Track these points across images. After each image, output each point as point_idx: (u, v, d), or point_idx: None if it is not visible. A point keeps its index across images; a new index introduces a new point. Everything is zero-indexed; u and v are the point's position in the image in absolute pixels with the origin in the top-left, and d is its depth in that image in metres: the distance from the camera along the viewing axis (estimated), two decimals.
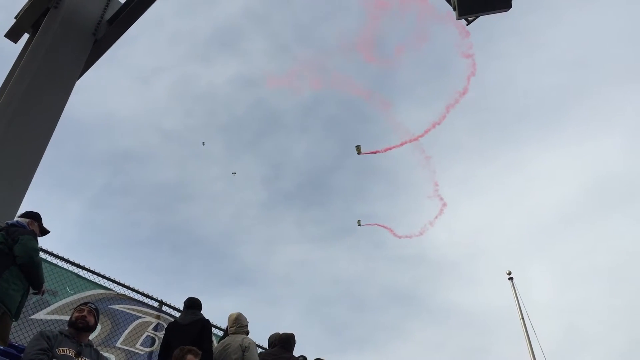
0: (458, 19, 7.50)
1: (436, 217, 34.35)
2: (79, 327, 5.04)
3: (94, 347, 5.28)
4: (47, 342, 4.69)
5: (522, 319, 17.33)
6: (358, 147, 34.69)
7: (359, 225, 37.34)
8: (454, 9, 7.50)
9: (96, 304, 8.51)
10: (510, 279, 18.32)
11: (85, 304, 5.41)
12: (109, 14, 6.32)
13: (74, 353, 4.82)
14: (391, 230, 35.93)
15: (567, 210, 65.32)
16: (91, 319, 5.19)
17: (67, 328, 5.14)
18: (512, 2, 7.05)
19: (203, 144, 44.33)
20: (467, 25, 8.15)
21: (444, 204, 33.97)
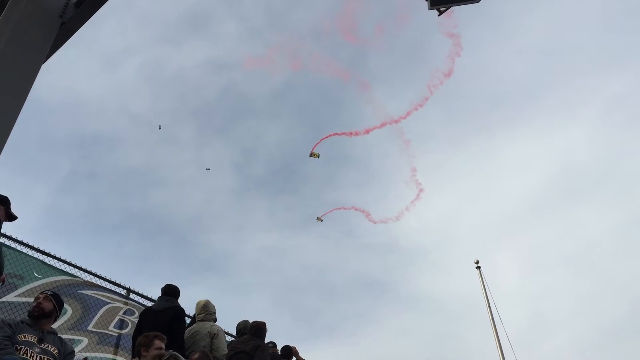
0: (430, 9, 7.58)
1: (412, 202, 34.32)
2: (35, 315, 5.02)
3: (57, 334, 5.26)
4: (10, 329, 4.67)
5: (489, 307, 17.80)
6: (315, 154, 34.65)
7: (319, 220, 37.18)
8: (426, 0, 7.56)
9: (60, 290, 8.49)
10: (478, 267, 18.76)
11: (42, 292, 5.39)
12: None
13: (35, 339, 4.82)
14: (368, 215, 35.86)
15: (534, 199, 66.82)
16: (47, 305, 5.15)
17: (27, 317, 5.11)
18: None
19: (159, 128, 43.51)
20: (438, 15, 8.19)
21: (421, 190, 34.01)
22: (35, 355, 4.73)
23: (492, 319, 17.54)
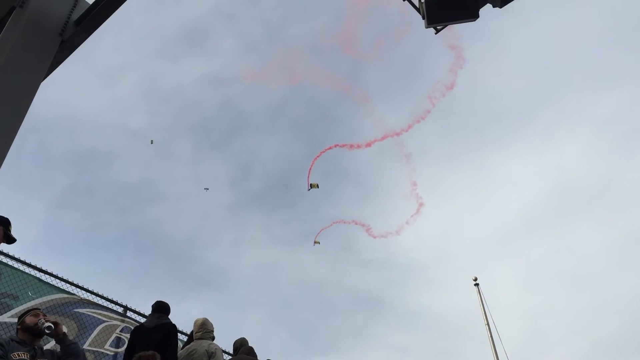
0: (427, 28, 7.69)
1: (413, 216, 34.03)
2: (36, 333, 4.94)
3: (48, 349, 5.21)
4: (2, 348, 4.62)
5: (487, 324, 17.70)
6: (315, 185, 34.51)
7: (316, 243, 36.82)
8: (423, 18, 7.67)
9: (56, 309, 8.43)
10: (476, 284, 18.69)
11: (35, 309, 5.29)
12: (76, 15, 6.22)
13: (28, 356, 4.74)
14: (368, 229, 35.56)
15: (531, 215, 66.83)
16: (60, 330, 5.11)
17: (15, 335, 5.02)
18: (480, 11, 7.28)
19: (152, 142, 43.28)
20: (435, 33, 8.32)
21: (421, 204, 33.78)
22: None
23: (491, 335, 17.46)
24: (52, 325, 4.92)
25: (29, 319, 5.07)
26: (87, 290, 9.31)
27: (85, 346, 8.84)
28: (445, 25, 7.78)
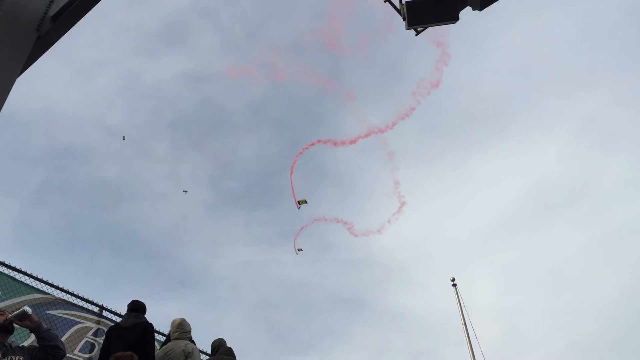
0: (407, 29, 7.78)
1: (394, 215, 34.00)
2: (3, 329, 4.91)
3: (18, 345, 5.18)
4: None
5: (465, 324, 17.92)
6: (303, 201, 34.53)
7: (299, 251, 36.80)
8: (404, 19, 7.76)
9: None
10: (454, 285, 18.92)
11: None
12: (53, 10, 6.14)
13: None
14: (350, 227, 35.47)
15: (508, 217, 67.68)
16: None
17: None
18: (460, 14, 7.41)
19: (124, 139, 42.74)
20: (416, 35, 8.44)
21: (403, 202, 33.79)
22: None
23: (468, 336, 17.67)
24: (24, 313, 4.85)
25: None
26: (62, 290, 9.17)
27: None
28: (426, 27, 7.89)
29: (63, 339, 8.87)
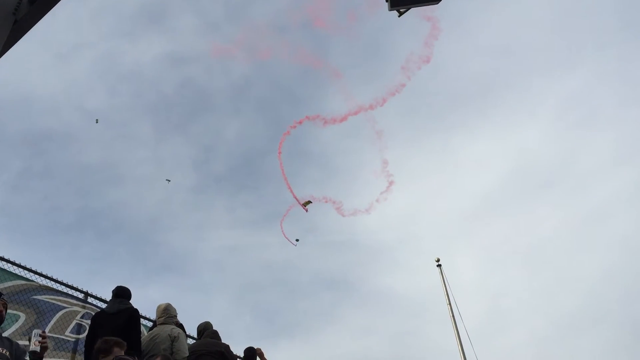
0: (390, 10, 7.73)
1: (382, 194, 33.85)
2: None
3: (3, 335, 5.09)
4: None
5: (449, 304, 18.20)
6: (307, 202, 34.11)
7: (297, 241, 36.51)
8: (386, 0, 7.71)
9: (13, 296, 8.24)
10: (439, 265, 19.16)
11: None
12: None
13: None
14: (339, 206, 35.32)
15: (491, 197, 68.50)
16: (4, 312, 5.07)
17: None
18: None
19: (97, 122, 42.23)
20: (399, 16, 8.37)
21: (392, 182, 33.63)
22: None
23: (452, 315, 17.95)
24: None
25: None
26: (46, 277, 9.12)
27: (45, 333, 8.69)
28: (408, 8, 7.84)
29: (52, 321, 8.88)
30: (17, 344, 5.12)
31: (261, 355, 9.42)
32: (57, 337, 8.84)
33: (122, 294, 7.11)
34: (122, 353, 5.22)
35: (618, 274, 55.38)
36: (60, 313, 9.13)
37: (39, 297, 8.92)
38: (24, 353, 5.07)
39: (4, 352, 4.75)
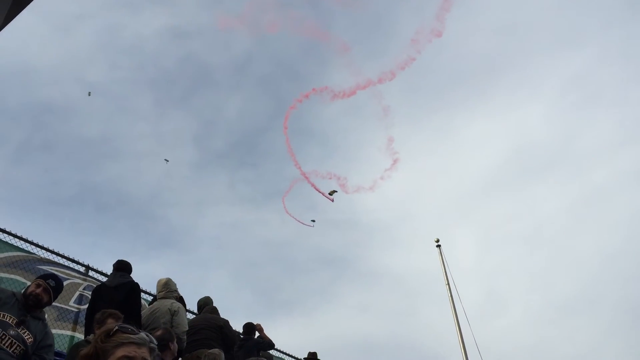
0: None
1: (387, 171, 33.37)
2: (29, 304, 4.88)
3: (44, 321, 5.08)
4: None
5: (448, 284, 18.30)
6: (332, 192, 33.63)
7: (313, 222, 36.13)
8: None
9: (18, 264, 8.32)
10: (438, 246, 19.20)
11: (45, 278, 5.20)
12: None
13: (14, 321, 4.64)
14: (343, 183, 34.98)
15: (492, 177, 68.23)
16: (44, 297, 5.03)
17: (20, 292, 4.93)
18: None
19: (89, 94, 41.98)
20: None
21: (396, 159, 33.12)
22: (5, 338, 4.51)
23: (451, 295, 18.05)
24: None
25: (31, 287, 5.01)
26: (47, 250, 9.20)
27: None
28: None
29: None
30: (48, 333, 5.06)
31: (260, 330, 9.58)
32: (61, 307, 8.96)
33: (122, 267, 7.17)
34: (118, 324, 5.28)
35: (617, 255, 55.49)
36: (64, 283, 9.24)
37: (42, 267, 9.02)
38: (50, 347, 4.98)
39: (26, 336, 4.63)
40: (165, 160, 42.11)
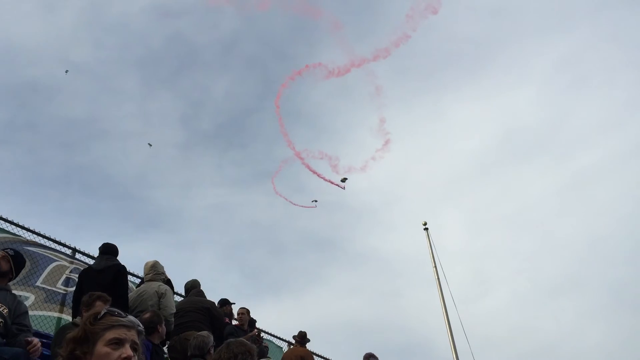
0: None
1: (378, 152, 32.96)
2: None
3: (11, 292, 5.10)
4: None
5: (435, 266, 18.46)
6: (344, 179, 33.13)
7: (314, 202, 35.79)
8: None
9: (5, 245, 8.28)
10: (426, 229, 19.32)
11: (3, 249, 5.21)
12: None
13: None
14: (335, 163, 34.54)
15: (480, 160, 68.52)
16: (4, 265, 5.03)
17: None
18: None
19: (66, 72, 41.39)
20: None
21: (388, 140, 32.77)
22: None
23: (438, 277, 18.23)
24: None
25: None
26: (33, 232, 9.15)
27: (38, 283, 8.80)
28: None
29: (44, 273, 8.99)
30: (20, 302, 5.10)
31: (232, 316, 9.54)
32: (49, 289, 8.96)
33: (108, 250, 7.16)
34: (106, 307, 5.29)
35: (603, 238, 56.34)
36: (52, 265, 9.23)
37: (30, 248, 9.00)
38: (25, 314, 5.04)
39: (1, 308, 4.74)
40: (149, 144, 41.65)
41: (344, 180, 32.22)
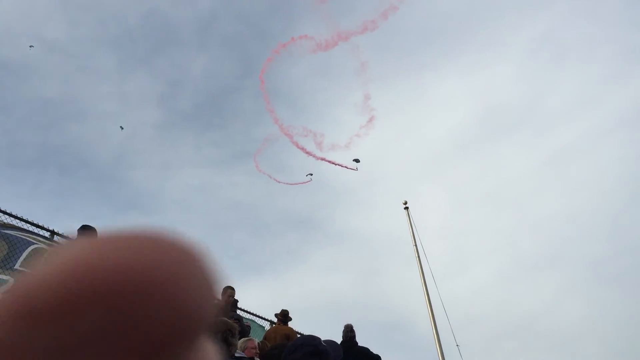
0: None
1: (363, 128, 32.58)
2: None
3: None
4: None
5: (415, 245, 18.75)
6: (356, 160, 32.00)
7: (309, 176, 35.09)
8: None
9: None
10: (406, 208, 19.55)
11: None
12: None
13: None
14: (320, 140, 33.93)
15: (459, 138, 68.89)
16: None
17: None
18: None
19: (30, 47, 40.52)
20: None
21: (372, 117, 32.40)
22: None
23: (418, 256, 18.53)
24: None
25: None
26: (10, 215, 9.08)
27: (17, 266, 8.77)
28: None
29: (22, 256, 8.94)
30: None
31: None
32: (27, 272, 8.94)
33: (87, 233, 7.12)
34: None
35: (580, 214, 57.45)
36: (30, 248, 9.18)
37: (7, 231, 8.94)
38: None
39: None
40: (121, 127, 40.86)
41: (357, 160, 31.50)
